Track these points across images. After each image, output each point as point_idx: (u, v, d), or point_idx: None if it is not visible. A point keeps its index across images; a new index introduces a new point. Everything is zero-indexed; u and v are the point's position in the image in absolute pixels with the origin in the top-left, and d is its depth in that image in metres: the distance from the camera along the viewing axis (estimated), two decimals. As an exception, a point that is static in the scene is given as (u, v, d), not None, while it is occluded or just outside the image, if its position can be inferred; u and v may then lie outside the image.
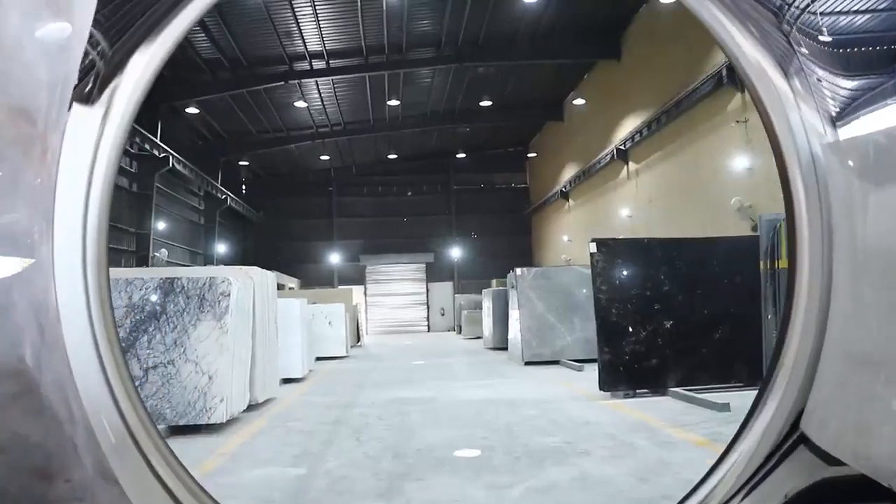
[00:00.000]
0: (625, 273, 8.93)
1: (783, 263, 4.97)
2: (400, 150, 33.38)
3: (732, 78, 14.32)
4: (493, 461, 5.73)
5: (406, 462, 5.83)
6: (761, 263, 5.13)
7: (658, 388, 8.84)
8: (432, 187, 36.69)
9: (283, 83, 21.47)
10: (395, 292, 35.78)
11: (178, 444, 6.81)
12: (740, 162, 14.26)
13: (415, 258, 35.58)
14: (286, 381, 11.97)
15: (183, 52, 18.85)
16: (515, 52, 20.97)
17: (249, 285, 8.63)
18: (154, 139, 19.58)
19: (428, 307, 35.61)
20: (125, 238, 19.37)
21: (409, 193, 36.47)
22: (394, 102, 25.10)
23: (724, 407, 7.45)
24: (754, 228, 11.11)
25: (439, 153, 34.35)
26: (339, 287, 32.06)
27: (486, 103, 26.08)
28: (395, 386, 11.44)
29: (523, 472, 5.32)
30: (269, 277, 9.92)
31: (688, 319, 8.93)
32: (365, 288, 35.20)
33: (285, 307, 11.79)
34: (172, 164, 20.68)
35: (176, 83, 20.44)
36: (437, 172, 36.13)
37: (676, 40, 17.28)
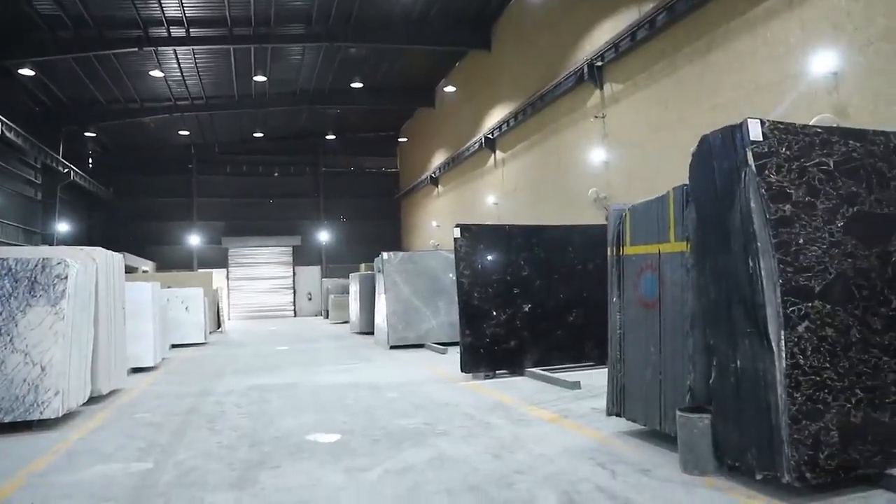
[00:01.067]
0: (487, 258, 9.19)
1: (627, 250, 5.33)
2: (266, 129, 32.07)
3: (593, 75, 15.15)
4: (352, 444, 5.70)
5: (262, 450, 5.65)
6: (608, 250, 5.46)
7: (516, 368, 9.22)
8: (300, 169, 35.70)
9: (136, 49, 19.77)
10: (260, 276, 34.52)
11: (3, 444, 6.15)
12: (598, 155, 15.14)
13: (281, 241, 34.48)
14: (136, 370, 11.20)
15: (14, 4, 16.80)
16: (388, 35, 20.80)
17: (91, 267, 7.93)
18: (-22, 102, 17.36)
19: (294, 291, 34.71)
20: (-57, 213, 17.06)
21: (276, 174, 35.25)
22: (260, 78, 24.03)
23: (576, 385, 7.93)
24: (608, 218, 11.85)
25: (308, 134, 33.44)
26: (199, 270, 30.42)
27: (357, 85, 25.69)
28: (256, 373, 11.05)
29: (382, 454, 5.34)
30: (116, 259, 9.18)
31: (545, 303, 9.37)
32: (227, 271, 33.65)
33: (135, 291, 11.00)
34: (2, 132, 18.42)
35: (6, 40, 18.20)
36: (305, 153, 35.19)
37: (543, 36, 17.97)
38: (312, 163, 35.67)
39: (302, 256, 34.77)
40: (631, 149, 14.10)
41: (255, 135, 32.44)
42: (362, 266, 26.27)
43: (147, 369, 11.55)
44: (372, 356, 13.00)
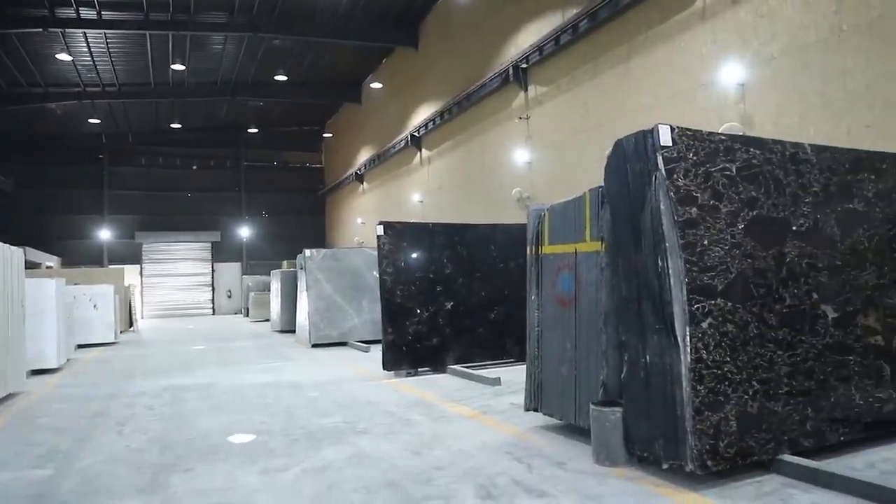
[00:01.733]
0: (410, 256, 9.19)
1: (546, 250, 5.46)
2: (185, 120, 30.84)
3: (518, 76, 15.42)
4: (270, 445, 5.58)
5: (175, 453, 5.44)
6: (528, 249, 5.58)
7: (438, 366, 9.28)
8: (221, 162, 34.55)
9: (41, 30, 18.56)
10: (177, 273, 33.15)
11: None
12: (521, 155, 15.43)
13: (199, 237, 33.26)
14: (37, 372, 10.55)
15: None
16: (314, 28, 20.45)
17: (-14, 262, 7.40)
18: None
19: (213, 289, 33.56)
20: None
21: (195, 167, 33.98)
22: (179, 67, 23.08)
23: (496, 381, 8.06)
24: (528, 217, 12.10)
25: (230, 126, 32.42)
26: (110, 266, 28.96)
27: (281, 78, 25.12)
28: (170, 373, 10.63)
29: (300, 454, 5.25)
30: (14, 254, 8.60)
31: (467, 301, 9.47)
32: (141, 268, 32.15)
33: (36, 288, 10.35)
34: None
35: None
36: (226, 146, 34.10)
37: (470, 36, 18.13)
38: (233, 156, 34.62)
39: (221, 253, 33.67)
40: (554, 150, 14.45)
41: (173, 125, 31.13)
42: (284, 263, 25.73)
43: (51, 371, 10.90)
44: (293, 355, 12.76)
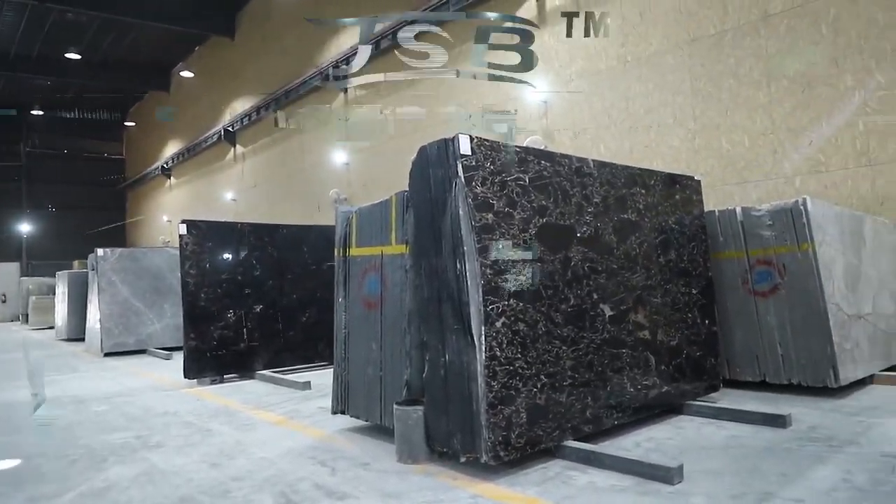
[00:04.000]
0: (217, 257, 8.71)
1: (353, 252, 5.48)
2: (-51, 95, 26.54)
3: (337, 78, 15.32)
4: (42, 469, 4.95)
5: (-89, 488, 4.62)
6: (336, 251, 5.56)
7: (246, 371, 8.89)
8: (-5, 147, 30.20)
9: None
10: (-66, 274, 28.26)
11: None
12: (340, 157, 15.34)
13: (-35, 232, 28.75)
14: None
15: None
16: (115, 3, 18.61)
17: None
18: None
19: (-17, 293, 29.13)
20: None
21: (-39, 151, 29.34)
22: (-61, 32, 19.80)
23: (306, 385, 7.91)
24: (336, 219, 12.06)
25: (8, 106, 28.39)
26: None
27: (74, 56, 22.56)
28: (-82, 391, 9.02)
29: (77, 476, 4.72)
30: None
31: (278, 303, 9.19)
32: None
33: None
34: None
35: None
36: (3, 130, 29.78)
37: (289, 31, 17.67)
38: (12, 141, 30.38)
39: (-5, 251, 29.35)
40: (371, 153, 14.56)
41: (-68, 101, 26.67)
42: (76, 263, 23.14)
43: None
44: (81, 366, 11.47)
